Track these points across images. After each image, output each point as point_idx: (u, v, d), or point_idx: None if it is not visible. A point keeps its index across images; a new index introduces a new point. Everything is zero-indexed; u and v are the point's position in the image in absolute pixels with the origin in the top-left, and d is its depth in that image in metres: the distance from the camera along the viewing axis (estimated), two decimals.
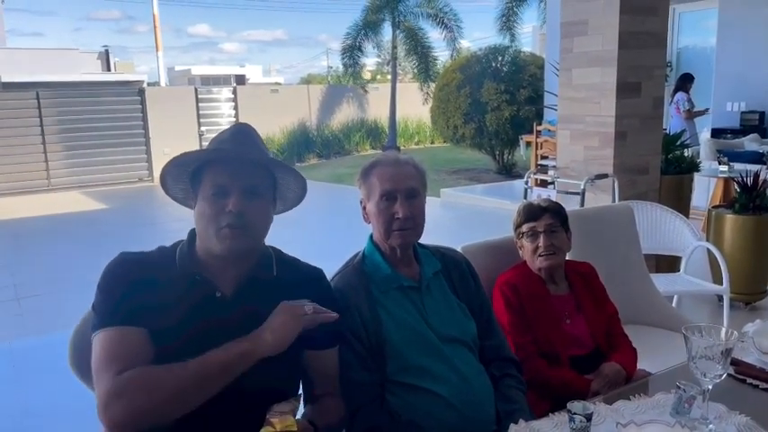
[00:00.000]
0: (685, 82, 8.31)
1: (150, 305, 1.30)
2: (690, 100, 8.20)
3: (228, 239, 1.33)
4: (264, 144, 1.47)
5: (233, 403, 1.31)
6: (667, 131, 5.47)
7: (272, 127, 14.63)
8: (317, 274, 1.52)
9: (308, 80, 31.76)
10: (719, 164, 5.79)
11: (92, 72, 19.82)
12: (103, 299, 1.31)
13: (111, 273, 1.34)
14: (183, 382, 1.22)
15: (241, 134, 1.42)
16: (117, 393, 1.19)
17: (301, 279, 1.47)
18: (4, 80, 15.60)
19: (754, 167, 4.92)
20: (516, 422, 1.39)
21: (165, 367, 1.23)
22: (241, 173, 1.36)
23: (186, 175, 1.42)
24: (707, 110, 8.60)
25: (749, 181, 4.01)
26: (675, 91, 8.35)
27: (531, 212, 2.07)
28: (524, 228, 2.08)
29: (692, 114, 8.19)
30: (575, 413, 1.28)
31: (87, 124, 12.30)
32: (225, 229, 1.33)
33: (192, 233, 1.43)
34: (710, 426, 1.32)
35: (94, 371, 1.25)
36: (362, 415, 1.52)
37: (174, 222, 8.18)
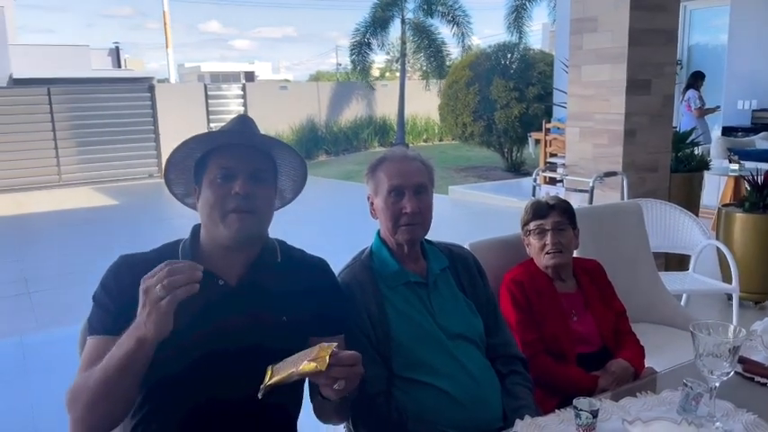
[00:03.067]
0: (696, 79, 8.26)
1: None
2: (701, 98, 8.15)
3: (236, 223, 1.33)
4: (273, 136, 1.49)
5: (236, 391, 1.32)
6: (678, 129, 5.45)
7: (282, 124, 14.66)
8: (321, 263, 1.53)
9: (316, 77, 31.78)
10: (730, 162, 5.76)
11: (102, 69, 19.93)
12: (96, 311, 1.33)
13: (107, 283, 1.33)
14: (92, 391, 1.21)
15: (241, 122, 1.43)
16: (66, 404, 1.26)
17: (305, 268, 1.49)
18: (15, 76, 15.74)
19: (764, 166, 4.88)
20: (522, 419, 1.39)
21: (85, 376, 1.24)
22: (246, 157, 1.37)
23: (190, 168, 1.42)
24: (717, 107, 8.54)
25: (760, 179, 3.99)
26: (686, 89, 8.30)
27: (539, 210, 2.07)
28: (532, 225, 2.08)
29: (703, 112, 8.15)
30: (581, 409, 1.29)
31: (98, 120, 12.37)
32: (232, 215, 1.33)
33: (195, 229, 1.44)
34: (717, 423, 1.32)
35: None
36: (368, 410, 1.53)
37: (183, 219, 8.20)
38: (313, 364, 1.15)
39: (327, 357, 1.16)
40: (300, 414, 1.49)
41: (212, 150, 1.39)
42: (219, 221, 1.35)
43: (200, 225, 1.43)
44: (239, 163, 1.36)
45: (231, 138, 1.40)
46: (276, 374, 1.17)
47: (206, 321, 1.32)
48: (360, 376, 1.21)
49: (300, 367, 1.16)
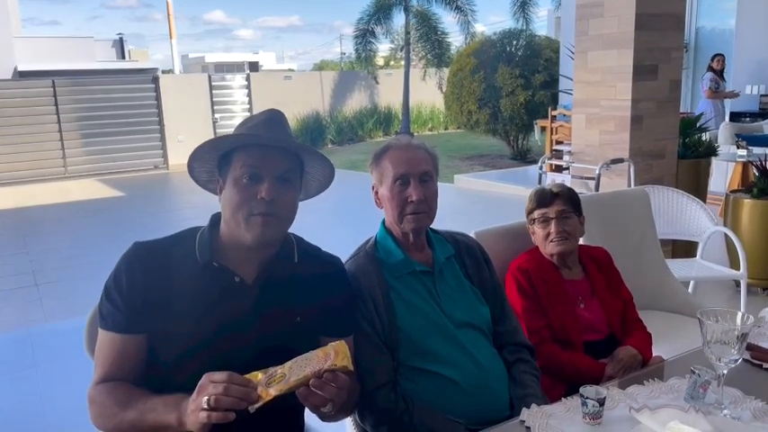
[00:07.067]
0: (713, 61, 8.22)
1: (162, 300, 1.31)
2: (714, 80, 8.08)
3: (260, 227, 1.32)
4: (293, 132, 1.46)
5: None
6: (692, 112, 5.39)
7: (286, 114, 14.02)
8: (336, 263, 1.52)
9: (321, 66, 31.73)
10: (738, 148, 5.72)
11: (106, 60, 19.93)
12: (107, 302, 1.33)
13: (119, 276, 1.33)
14: (120, 424, 1.26)
15: (273, 121, 1.40)
16: (89, 400, 1.32)
17: (321, 269, 1.47)
18: (20, 68, 15.74)
19: None
20: (529, 407, 1.39)
21: (119, 401, 1.27)
22: (273, 158, 1.34)
23: (215, 159, 1.39)
24: (735, 93, 8.37)
25: None
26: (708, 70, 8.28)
27: (543, 198, 2.06)
28: (536, 214, 2.06)
29: (713, 95, 8.07)
30: (587, 397, 1.28)
31: (102, 112, 12.36)
32: (256, 217, 1.31)
33: (214, 218, 1.42)
34: (725, 411, 1.31)
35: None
36: (375, 399, 1.53)
37: (189, 209, 8.25)
38: (341, 362, 1.15)
39: (349, 356, 1.17)
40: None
41: (238, 147, 1.36)
42: (242, 223, 1.33)
43: (219, 214, 1.40)
44: (266, 163, 1.33)
45: (260, 140, 1.35)
46: (293, 375, 1.15)
47: (219, 317, 1.32)
48: (342, 400, 1.22)
49: (328, 365, 1.15)
